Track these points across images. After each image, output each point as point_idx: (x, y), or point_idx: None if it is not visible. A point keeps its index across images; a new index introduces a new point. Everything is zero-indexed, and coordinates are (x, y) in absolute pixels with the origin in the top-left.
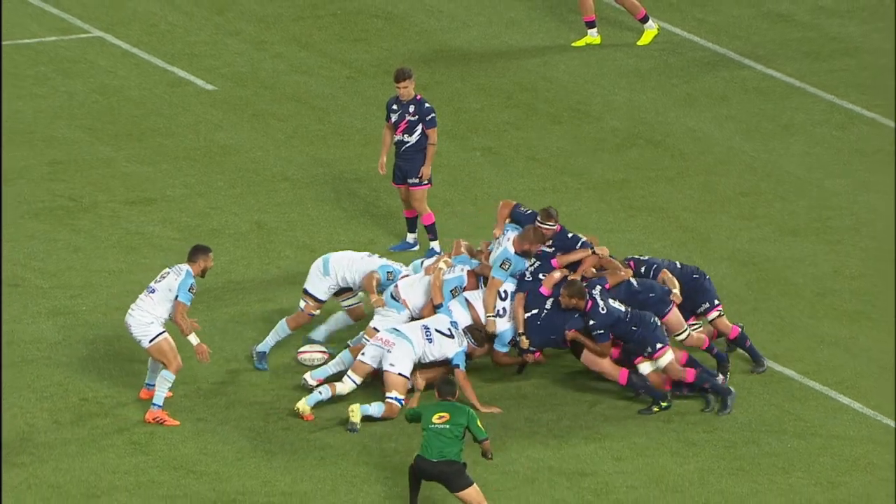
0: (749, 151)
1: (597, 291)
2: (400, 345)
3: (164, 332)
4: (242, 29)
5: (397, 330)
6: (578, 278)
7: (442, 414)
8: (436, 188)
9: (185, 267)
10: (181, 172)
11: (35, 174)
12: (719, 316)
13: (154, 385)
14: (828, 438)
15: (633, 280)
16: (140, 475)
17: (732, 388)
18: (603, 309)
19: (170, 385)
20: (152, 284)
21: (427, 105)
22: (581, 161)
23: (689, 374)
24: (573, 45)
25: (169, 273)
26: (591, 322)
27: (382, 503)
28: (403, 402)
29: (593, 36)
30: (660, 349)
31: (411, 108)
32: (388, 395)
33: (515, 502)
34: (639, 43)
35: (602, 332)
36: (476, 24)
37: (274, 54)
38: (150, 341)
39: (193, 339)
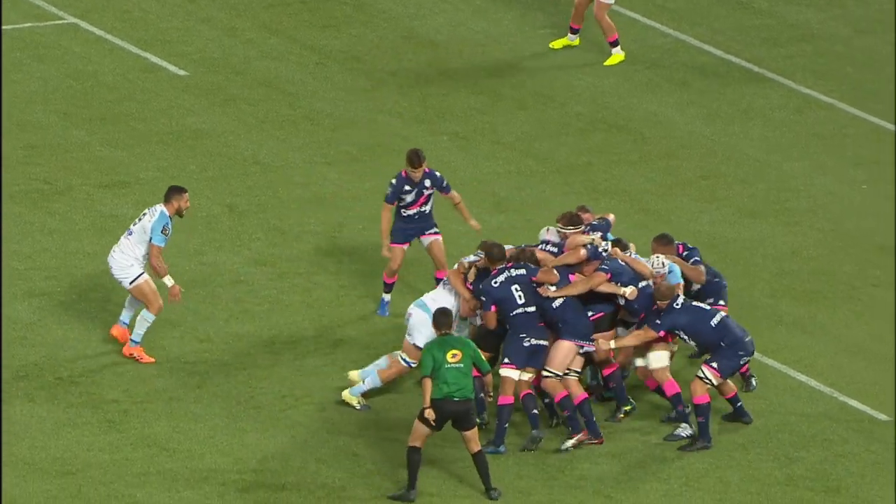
0: (709, 135)
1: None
2: (417, 315)
3: (143, 273)
4: (214, 16)
5: (422, 302)
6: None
7: (454, 352)
8: None
9: (160, 207)
10: (154, 156)
11: (10, 158)
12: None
13: (127, 323)
14: (786, 415)
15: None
16: (114, 453)
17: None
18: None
19: (149, 325)
20: (131, 226)
21: (437, 173)
22: (545, 145)
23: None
24: (551, 45)
25: (146, 214)
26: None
27: (351, 480)
28: (413, 365)
29: (572, 39)
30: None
31: (427, 183)
32: (399, 353)
33: None
34: (605, 63)
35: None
36: (443, 10)
37: (245, 40)
38: (131, 283)
39: (168, 280)
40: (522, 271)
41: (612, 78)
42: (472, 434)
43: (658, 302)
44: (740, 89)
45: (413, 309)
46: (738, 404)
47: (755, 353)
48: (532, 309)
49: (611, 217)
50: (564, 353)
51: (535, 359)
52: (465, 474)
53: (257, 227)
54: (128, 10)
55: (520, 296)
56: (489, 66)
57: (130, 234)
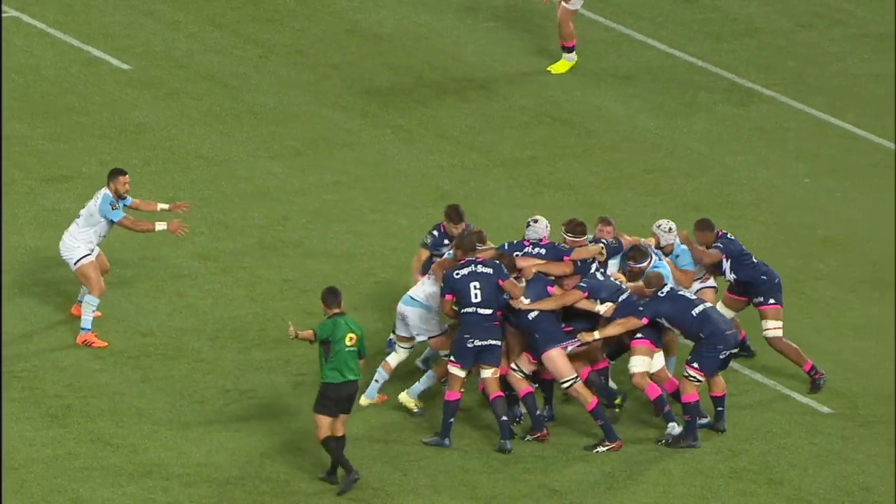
0: (653, 129)
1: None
2: (411, 312)
3: (88, 255)
4: (157, 9)
5: (411, 297)
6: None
7: (351, 335)
8: (347, 165)
9: (103, 190)
10: (96, 150)
11: None
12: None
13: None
14: (729, 408)
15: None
16: (57, 447)
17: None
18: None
19: (94, 308)
20: (80, 212)
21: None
22: (489, 138)
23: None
24: (549, 69)
25: (90, 201)
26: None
27: (296, 474)
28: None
29: (570, 60)
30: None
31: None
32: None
33: None
34: (551, 68)
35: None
36: (386, 4)
37: (188, 34)
38: (75, 264)
39: (160, 225)
40: (489, 270)
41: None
42: (344, 418)
43: (645, 290)
44: (684, 83)
45: (403, 308)
46: (720, 408)
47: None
48: (487, 311)
49: (627, 239)
50: (562, 361)
51: (484, 357)
52: (409, 468)
53: (200, 221)
54: (70, 4)
55: (476, 293)
56: (433, 60)
57: (79, 217)
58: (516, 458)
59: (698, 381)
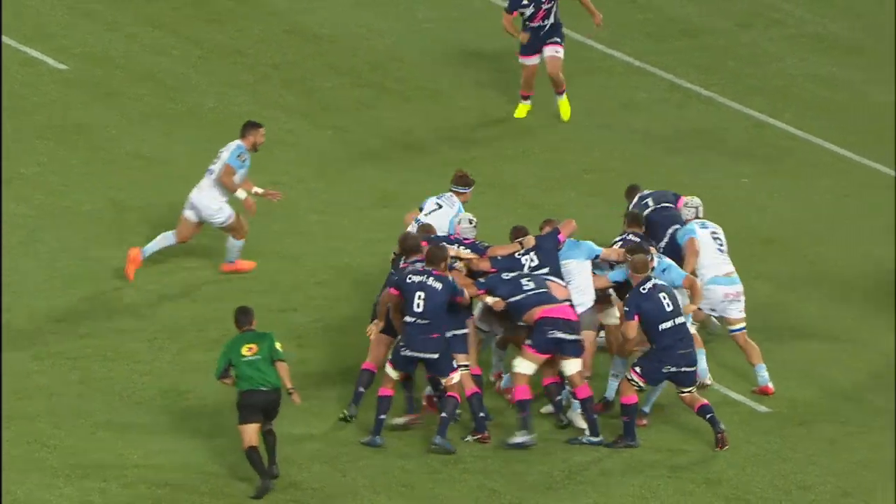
0: (593, 129)
1: None
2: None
3: (232, 213)
4: (95, 9)
5: None
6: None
7: (250, 346)
8: (288, 165)
9: (235, 142)
10: (35, 151)
11: None
12: None
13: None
14: (668, 407)
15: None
16: None
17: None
18: None
19: (239, 249)
20: (211, 166)
21: None
22: (431, 138)
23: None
24: (515, 115)
25: (223, 151)
26: None
27: (233, 475)
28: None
29: (526, 104)
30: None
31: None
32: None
33: None
34: (562, 113)
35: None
36: (327, 5)
37: (127, 34)
38: (224, 223)
39: (241, 193)
40: (439, 286)
41: (495, 73)
42: (272, 423)
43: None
44: (623, 83)
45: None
46: (709, 415)
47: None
48: (425, 322)
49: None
50: (529, 359)
51: (430, 368)
52: (348, 468)
53: (141, 222)
54: (6, 4)
55: (418, 304)
56: (374, 60)
57: (211, 172)
58: (456, 458)
59: (639, 386)
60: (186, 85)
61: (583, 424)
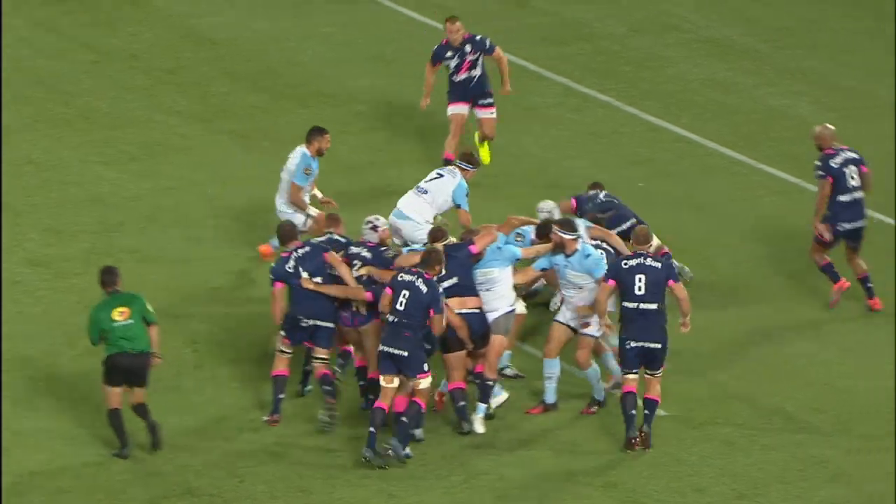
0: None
1: None
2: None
3: (311, 214)
4: None
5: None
6: None
7: (122, 310)
8: (183, 170)
9: (301, 148)
10: None
11: None
12: None
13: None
14: (567, 411)
15: None
16: None
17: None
18: None
19: None
20: (282, 175)
21: (478, 37)
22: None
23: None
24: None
25: (290, 159)
26: None
27: (131, 482)
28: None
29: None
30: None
31: (468, 48)
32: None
33: None
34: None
35: None
36: (222, 9)
37: (19, 38)
38: (302, 225)
39: (312, 211)
40: (424, 288)
41: (392, 77)
42: (142, 391)
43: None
44: (519, 88)
45: (393, 220)
46: (646, 412)
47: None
48: (404, 320)
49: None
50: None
51: (388, 362)
52: (246, 474)
53: (32, 226)
54: None
55: (402, 302)
56: (269, 65)
57: (282, 182)
58: (355, 463)
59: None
60: (79, 89)
61: (482, 429)
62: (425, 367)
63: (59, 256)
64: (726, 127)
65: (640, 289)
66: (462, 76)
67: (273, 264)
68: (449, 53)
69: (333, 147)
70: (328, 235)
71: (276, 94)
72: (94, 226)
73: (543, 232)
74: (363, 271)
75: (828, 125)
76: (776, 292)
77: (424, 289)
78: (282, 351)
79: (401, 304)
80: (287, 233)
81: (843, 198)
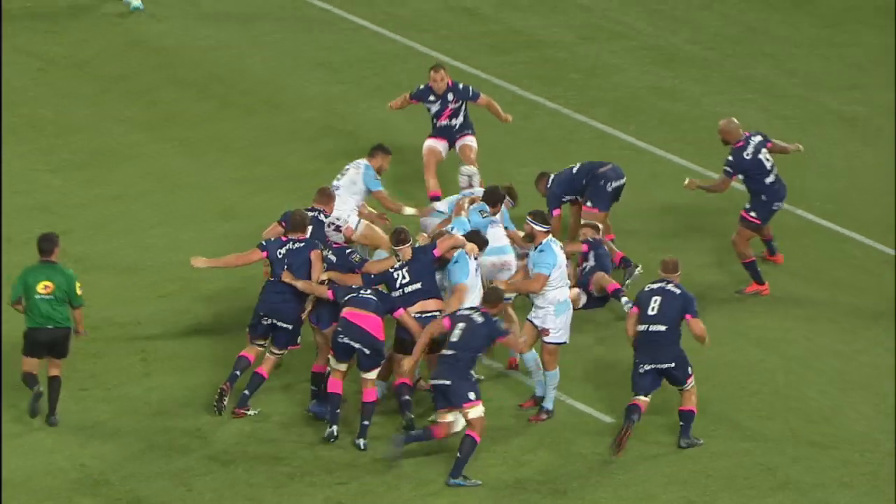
0: None
1: None
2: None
3: (360, 220)
4: None
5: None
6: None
7: (46, 284)
8: (130, 178)
9: (363, 161)
10: None
11: None
12: None
13: None
14: (515, 418)
15: None
16: None
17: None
18: None
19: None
20: (335, 183)
21: (462, 85)
22: (275, 151)
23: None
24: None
25: (349, 169)
26: None
27: (80, 488)
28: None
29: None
30: None
31: (450, 97)
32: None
33: None
34: None
35: None
36: (169, 16)
37: None
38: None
39: (408, 210)
40: (480, 319)
41: (341, 85)
42: (60, 363)
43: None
44: None
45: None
46: (682, 423)
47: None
48: (453, 352)
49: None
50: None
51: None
52: (194, 482)
53: None
54: None
55: (456, 334)
56: (217, 73)
57: (338, 189)
58: (303, 471)
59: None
60: (24, 97)
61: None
62: (471, 395)
63: (7, 264)
64: (672, 134)
65: (652, 309)
66: (443, 122)
67: (270, 238)
68: (431, 98)
69: (281, 155)
70: (315, 214)
71: (223, 101)
72: (40, 234)
73: (492, 200)
74: (325, 276)
75: (732, 119)
76: (722, 299)
77: (480, 320)
78: (254, 344)
79: (455, 336)
80: (299, 222)
81: (769, 179)
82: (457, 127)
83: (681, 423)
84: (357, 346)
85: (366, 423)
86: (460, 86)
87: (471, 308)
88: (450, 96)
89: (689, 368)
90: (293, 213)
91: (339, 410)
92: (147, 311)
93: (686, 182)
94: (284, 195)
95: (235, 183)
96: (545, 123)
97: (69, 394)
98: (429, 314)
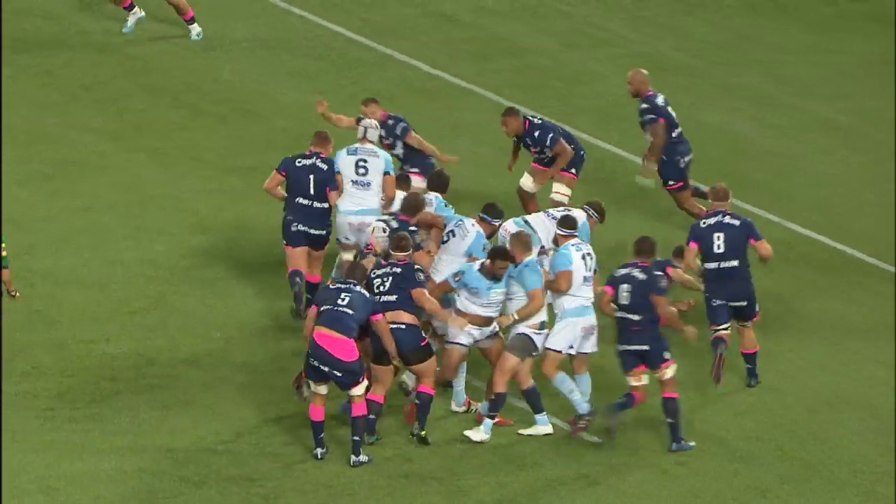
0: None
1: None
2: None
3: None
4: None
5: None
6: None
7: None
8: (99, 189)
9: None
10: None
11: None
12: None
13: None
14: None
15: None
16: None
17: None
18: None
19: None
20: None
21: (391, 121)
22: (248, 161)
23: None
24: None
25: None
26: None
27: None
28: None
29: None
30: None
31: (383, 132)
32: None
33: None
34: None
35: None
36: (141, 24)
37: None
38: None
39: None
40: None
41: (315, 93)
42: None
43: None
44: (448, 104)
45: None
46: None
47: None
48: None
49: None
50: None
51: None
52: (204, 481)
53: None
54: None
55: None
56: (189, 81)
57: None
58: (276, 493)
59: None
60: None
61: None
62: (667, 355)
63: None
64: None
65: (718, 247)
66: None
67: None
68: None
69: (254, 165)
70: (314, 160)
71: (195, 110)
72: (6, 247)
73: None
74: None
75: (641, 69)
76: (705, 315)
77: (642, 276)
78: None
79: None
80: (414, 204)
81: (677, 132)
82: (400, 157)
83: (748, 366)
84: (326, 369)
85: (356, 438)
86: (390, 121)
87: (629, 265)
88: (382, 131)
89: (758, 305)
90: (408, 196)
91: (322, 435)
92: (117, 328)
93: (638, 180)
94: (260, 206)
95: (208, 194)
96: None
97: (35, 413)
98: (400, 325)
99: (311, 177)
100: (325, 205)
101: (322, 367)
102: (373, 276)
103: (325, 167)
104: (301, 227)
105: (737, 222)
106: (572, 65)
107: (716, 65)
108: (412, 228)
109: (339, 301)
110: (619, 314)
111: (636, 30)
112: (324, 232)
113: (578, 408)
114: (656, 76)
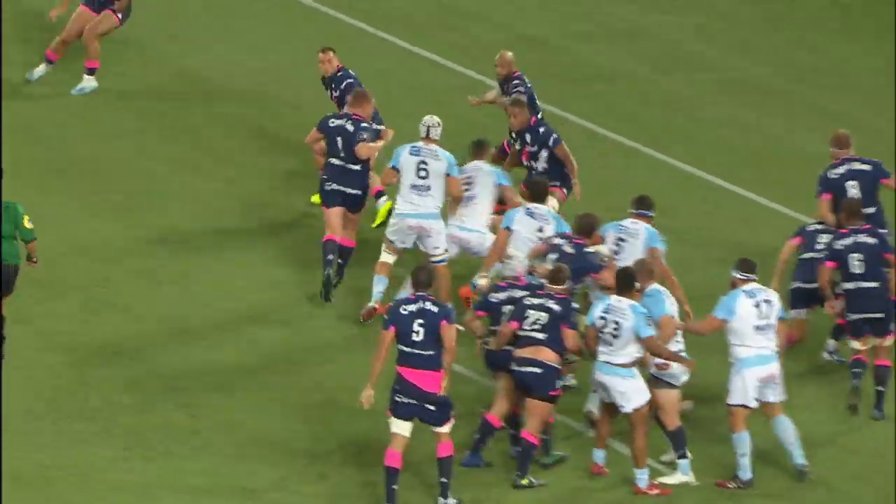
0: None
1: None
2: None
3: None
4: None
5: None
6: None
7: None
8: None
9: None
10: None
11: None
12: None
13: None
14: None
15: None
16: None
17: None
18: None
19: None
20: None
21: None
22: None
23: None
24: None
25: (473, 175)
26: None
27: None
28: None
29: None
30: None
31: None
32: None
33: None
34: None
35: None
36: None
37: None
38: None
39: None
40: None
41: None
42: (3, 301)
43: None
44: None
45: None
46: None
47: None
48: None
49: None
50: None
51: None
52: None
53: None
54: None
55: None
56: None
57: (474, 199)
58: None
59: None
60: (69, 135)
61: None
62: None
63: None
64: (757, 173)
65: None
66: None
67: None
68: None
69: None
70: (343, 121)
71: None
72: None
73: None
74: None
75: (508, 51)
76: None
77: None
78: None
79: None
80: (589, 226)
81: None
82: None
83: (877, 388)
84: (415, 402)
85: (444, 480)
86: (339, 73)
87: (851, 233)
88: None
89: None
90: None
91: (395, 486)
92: (197, 363)
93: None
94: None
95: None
96: (622, 162)
97: (111, 452)
98: (535, 368)
99: (339, 138)
100: (358, 166)
101: (412, 402)
102: (526, 302)
103: (351, 128)
104: (335, 186)
105: (873, 241)
106: (669, 91)
107: (812, 90)
108: (589, 250)
109: (415, 337)
110: (851, 284)
111: (733, 53)
112: (360, 192)
113: (741, 470)
114: (751, 102)
